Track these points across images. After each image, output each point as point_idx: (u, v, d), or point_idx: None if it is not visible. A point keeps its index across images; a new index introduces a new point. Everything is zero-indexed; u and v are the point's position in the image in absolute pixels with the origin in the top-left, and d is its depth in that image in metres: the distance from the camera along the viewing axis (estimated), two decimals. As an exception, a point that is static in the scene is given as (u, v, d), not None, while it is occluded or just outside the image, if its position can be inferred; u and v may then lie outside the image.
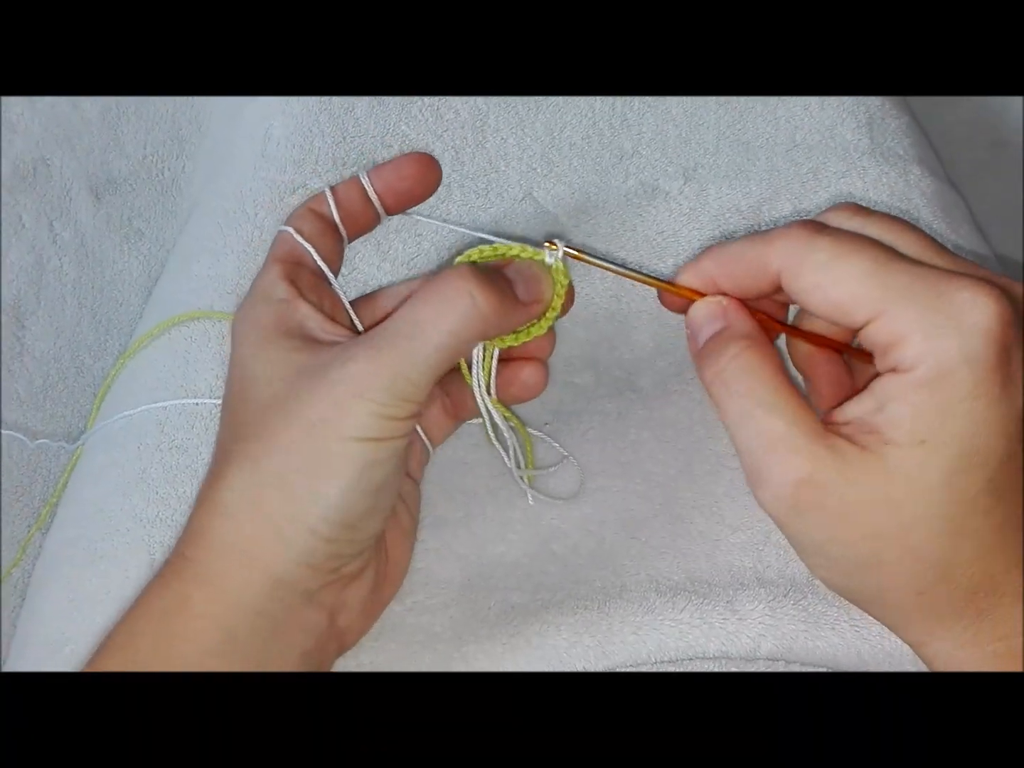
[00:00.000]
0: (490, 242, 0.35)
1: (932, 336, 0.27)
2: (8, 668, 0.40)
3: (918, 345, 0.28)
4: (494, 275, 0.33)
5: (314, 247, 0.35)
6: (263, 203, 0.47)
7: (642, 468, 0.42)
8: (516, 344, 0.36)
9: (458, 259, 0.35)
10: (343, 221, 0.37)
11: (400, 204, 0.37)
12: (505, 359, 0.38)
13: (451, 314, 0.31)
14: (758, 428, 0.29)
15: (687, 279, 0.32)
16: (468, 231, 0.37)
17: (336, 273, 0.37)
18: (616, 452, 0.42)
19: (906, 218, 0.46)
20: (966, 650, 0.30)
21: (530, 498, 0.40)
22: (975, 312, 0.27)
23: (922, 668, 0.35)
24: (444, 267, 0.38)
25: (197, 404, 0.42)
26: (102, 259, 0.53)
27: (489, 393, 0.37)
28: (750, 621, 0.36)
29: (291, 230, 0.36)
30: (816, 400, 0.35)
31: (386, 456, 0.31)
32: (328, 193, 0.37)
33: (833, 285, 0.29)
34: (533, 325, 0.35)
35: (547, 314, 0.35)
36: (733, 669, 0.35)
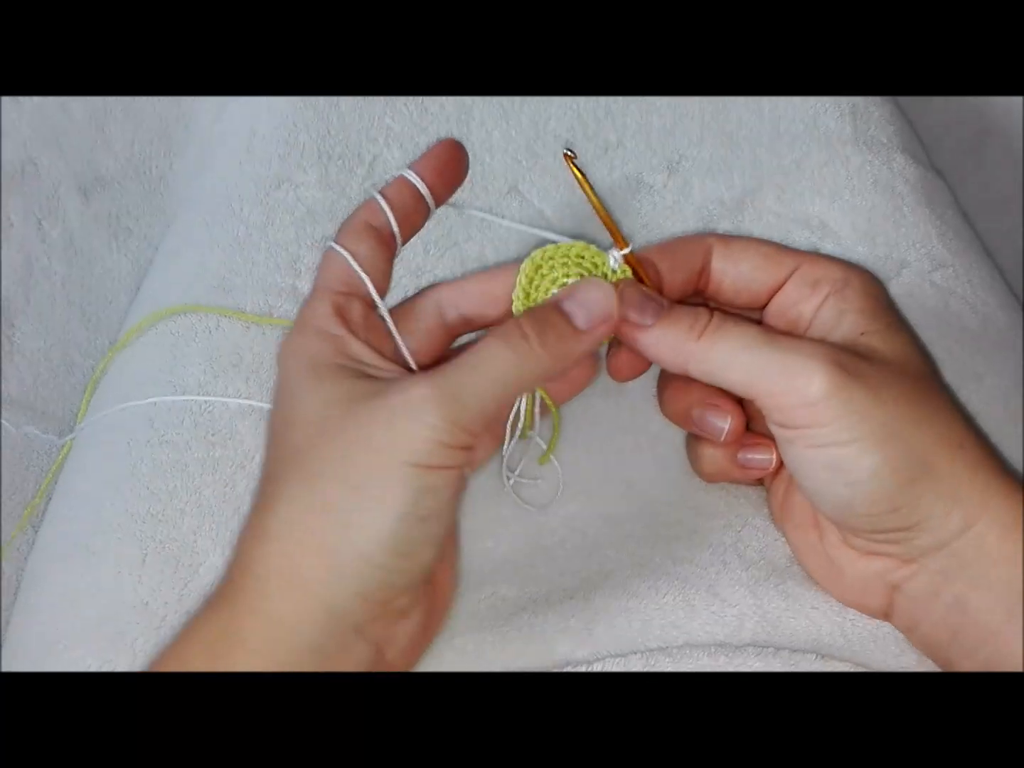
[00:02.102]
0: (550, 240, 0.35)
1: (846, 267, 0.36)
2: (1, 665, 0.40)
3: (842, 270, 0.36)
4: (550, 312, 0.33)
5: (368, 271, 0.34)
6: (248, 197, 0.47)
7: (625, 473, 0.42)
8: None
9: (523, 264, 0.35)
10: (398, 225, 0.36)
11: (445, 192, 0.37)
12: None
13: (509, 356, 0.32)
14: (774, 352, 0.33)
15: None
16: (528, 229, 0.37)
17: (386, 290, 0.36)
18: (600, 455, 0.42)
19: (890, 206, 0.47)
20: (1008, 502, 0.32)
21: (516, 500, 0.41)
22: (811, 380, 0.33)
23: (902, 649, 0.36)
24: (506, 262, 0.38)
25: (185, 400, 0.42)
26: (91, 257, 0.53)
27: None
28: (732, 602, 0.37)
29: (346, 254, 0.34)
30: None
31: (441, 484, 0.31)
32: (382, 201, 0.35)
33: (760, 249, 0.37)
34: None
35: None
36: (722, 658, 0.35)
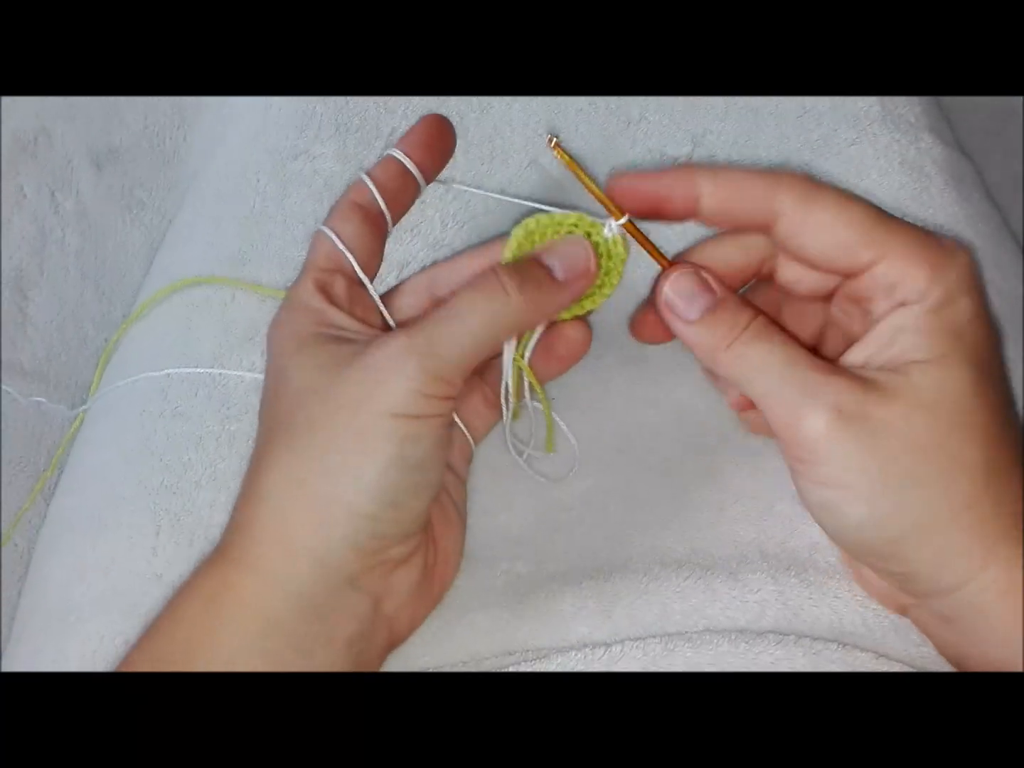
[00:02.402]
0: (542, 211, 0.34)
1: (937, 270, 0.31)
2: (13, 638, 0.40)
3: (926, 278, 0.31)
4: (529, 264, 0.33)
5: (354, 249, 0.35)
6: (265, 169, 0.47)
7: (645, 444, 0.41)
8: (567, 318, 0.36)
9: (506, 244, 0.35)
10: (387, 204, 0.36)
11: (434, 167, 0.37)
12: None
13: (485, 303, 0.32)
14: (787, 381, 0.31)
15: (678, 186, 0.33)
16: (521, 201, 0.36)
17: (376, 269, 0.36)
18: (621, 429, 0.42)
19: (917, 187, 0.47)
20: (1015, 572, 0.31)
21: (535, 475, 0.40)
22: (961, 255, 0.32)
23: (923, 639, 0.35)
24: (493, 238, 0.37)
25: (200, 372, 0.41)
26: (104, 229, 0.52)
27: (523, 358, 0.36)
28: (754, 588, 0.36)
29: (331, 233, 0.35)
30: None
31: (424, 432, 0.31)
32: (367, 179, 0.35)
33: (842, 227, 0.32)
34: (586, 299, 0.35)
35: (603, 290, 0.35)
36: (742, 644, 0.35)
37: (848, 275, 0.33)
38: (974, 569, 0.31)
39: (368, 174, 0.36)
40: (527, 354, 0.36)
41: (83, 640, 0.37)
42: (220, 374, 0.42)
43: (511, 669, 0.34)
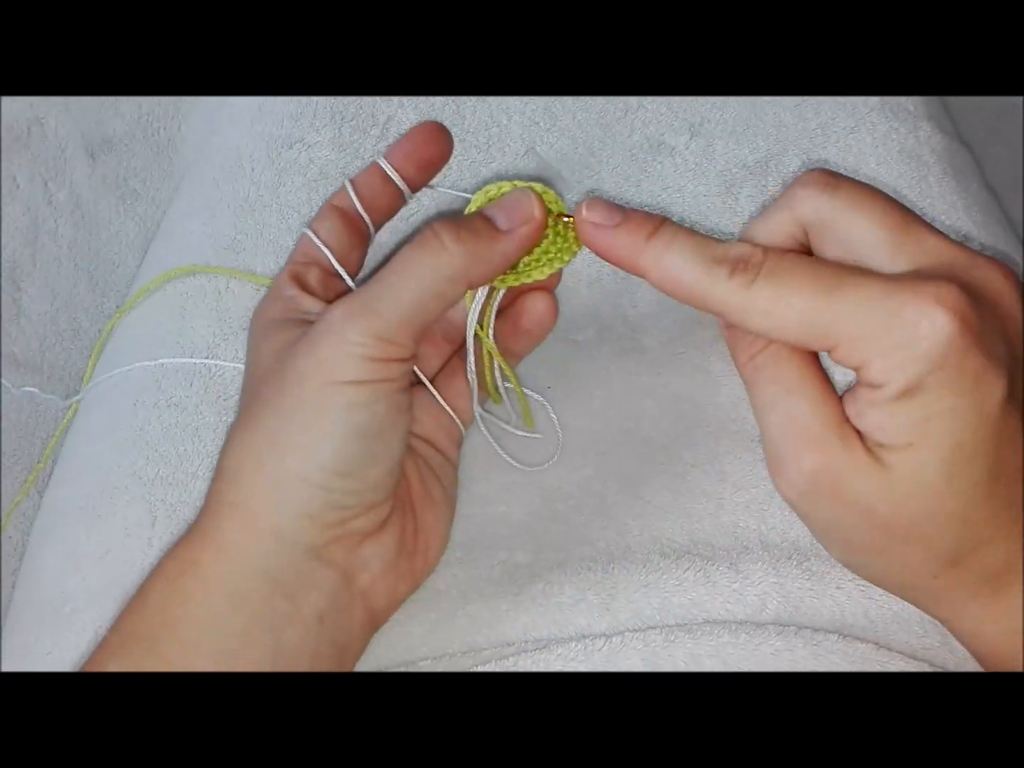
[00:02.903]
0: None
1: (890, 356, 0.28)
2: (8, 628, 0.39)
3: (880, 368, 0.28)
4: (468, 216, 0.33)
5: (330, 245, 0.36)
6: (260, 158, 0.46)
7: (644, 433, 0.41)
8: (516, 284, 0.35)
9: (475, 194, 0.35)
10: (367, 209, 0.36)
11: (421, 177, 0.37)
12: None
13: (421, 257, 0.32)
14: (781, 416, 0.30)
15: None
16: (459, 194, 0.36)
17: (356, 268, 0.37)
18: (619, 418, 0.41)
19: (915, 175, 0.46)
20: (987, 626, 0.31)
21: (513, 462, 0.40)
22: (926, 324, 0.27)
23: (926, 630, 0.35)
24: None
25: (194, 363, 0.41)
26: (98, 220, 0.52)
27: (487, 333, 0.36)
28: (755, 580, 0.36)
29: (309, 232, 0.36)
30: None
31: (372, 398, 0.31)
32: (348, 186, 0.36)
33: (785, 326, 0.29)
34: (534, 267, 0.35)
35: (554, 262, 0.35)
36: (743, 636, 0.34)
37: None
38: (948, 618, 0.32)
39: (352, 181, 0.36)
40: (491, 330, 0.36)
41: (78, 631, 0.36)
42: (216, 364, 0.41)
43: (510, 660, 0.34)
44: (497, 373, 0.38)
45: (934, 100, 0.51)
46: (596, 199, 0.32)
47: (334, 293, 0.35)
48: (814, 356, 0.31)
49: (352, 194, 0.36)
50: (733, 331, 0.31)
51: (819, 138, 0.47)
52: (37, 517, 0.42)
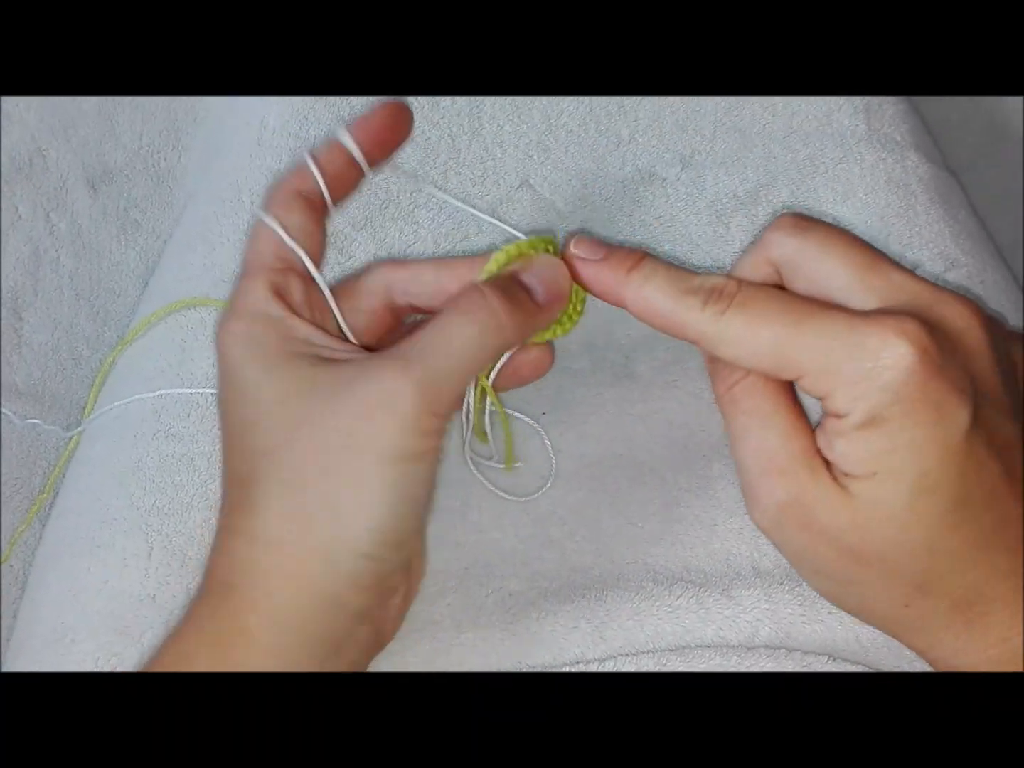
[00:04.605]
0: (501, 233, 0.35)
1: (853, 386, 0.28)
2: (9, 659, 0.40)
3: (843, 398, 0.29)
4: (513, 285, 0.33)
5: (304, 245, 0.33)
6: (259, 191, 0.47)
7: (637, 459, 0.42)
8: (539, 342, 0.36)
9: (485, 267, 0.34)
10: (329, 189, 0.34)
11: (381, 155, 0.35)
12: None
13: (476, 328, 0.31)
14: (753, 446, 0.31)
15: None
16: (486, 218, 0.37)
17: (322, 259, 0.35)
18: (612, 442, 0.42)
19: (903, 205, 0.47)
20: (961, 658, 0.31)
21: (500, 493, 0.40)
22: (888, 354, 0.28)
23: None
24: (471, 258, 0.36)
25: (192, 393, 0.41)
26: (99, 250, 0.52)
27: (488, 381, 0.36)
28: (747, 607, 0.36)
29: (277, 227, 0.33)
30: None
31: (423, 468, 0.31)
32: (312, 166, 0.34)
33: (755, 356, 0.30)
34: (557, 325, 0.35)
35: (573, 318, 0.35)
36: (734, 658, 0.35)
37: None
38: (922, 648, 0.32)
39: (312, 158, 0.34)
40: (492, 375, 0.36)
41: (77, 662, 0.37)
42: (213, 395, 0.42)
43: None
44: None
45: (921, 129, 0.52)
46: (583, 237, 0.33)
47: (319, 310, 0.34)
48: (789, 388, 0.32)
49: (319, 178, 0.34)
50: (714, 364, 0.33)
51: (807, 169, 0.48)
52: (38, 547, 0.43)
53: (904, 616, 0.31)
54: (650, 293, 0.31)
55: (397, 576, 0.33)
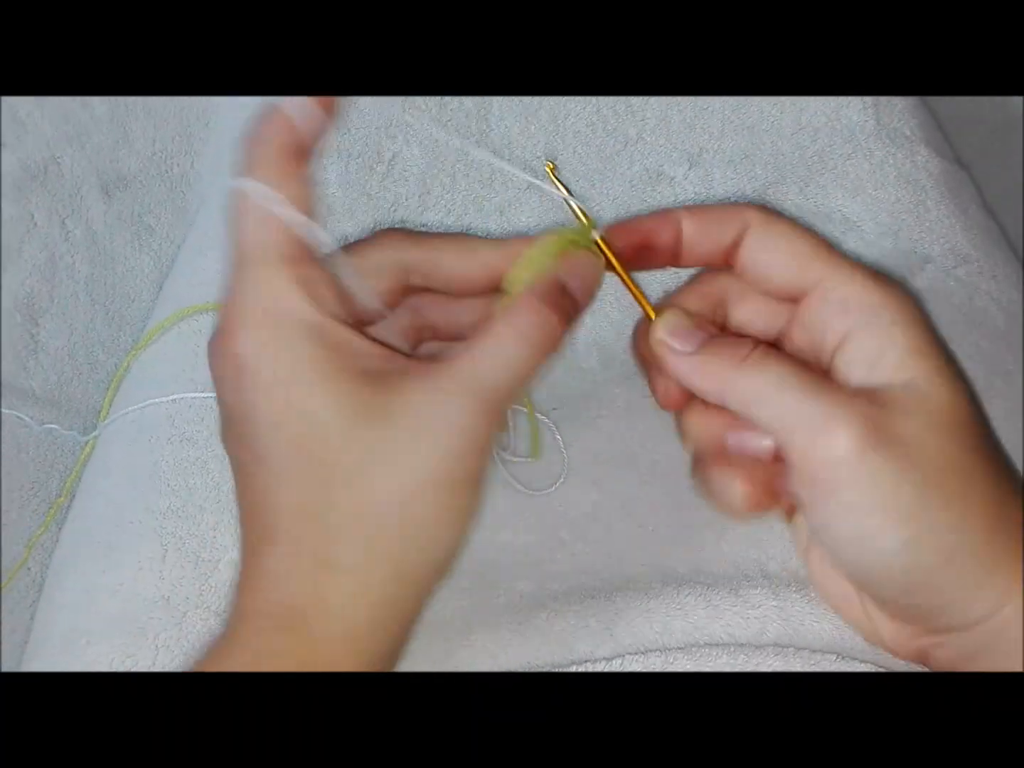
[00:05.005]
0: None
1: (885, 292, 0.32)
2: (25, 660, 0.40)
3: (877, 294, 0.32)
4: (561, 295, 0.32)
5: (309, 215, 0.29)
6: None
7: (648, 458, 0.42)
8: None
9: (521, 264, 0.33)
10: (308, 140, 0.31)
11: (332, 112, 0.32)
12: None
13: (537, 350, 0.31)
14: (805, 402, 0.30)
15: (659, 226, 0.34)
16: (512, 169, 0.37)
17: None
18: (623, 442, 0.42)
19: (913, 200, 0.47)
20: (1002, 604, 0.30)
21: (518, 486, 0.41)
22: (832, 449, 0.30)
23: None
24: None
25: (205, 397, 0.42)
26: (114, 256, 0.53)
27: None
28: (755, 604, 0.36)
29: (284, 209, 0.29)
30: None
31: (483, 482, 0.31)
32: (297, 108, 0.30)
33: (798, 240, 0.33)
34: None
35: None
36: (742, 656, 0.35)
37: (800, 296, 0.33)
38: (1001, 595, 0.30)
39: (286, 112, 0.30)
40: None
41: (92, 664, 0.37)
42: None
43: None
44: None
45: (931, 124, 0.52)
46: (674, 315, 0.34)
47: (344, 304, 0.31)
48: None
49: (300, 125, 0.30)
50: (677, 353, 0.33)
51: (816, 165, 0.48)
52: (55, 550, 0.43)
53: (988, 546, 0.30)
54: (769, 380, 0.31)
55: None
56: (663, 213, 0.34)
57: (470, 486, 0.30)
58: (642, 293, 0.35)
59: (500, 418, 0.30)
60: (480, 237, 0.35)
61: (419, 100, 0.49)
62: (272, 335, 0.29)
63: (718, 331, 0.34)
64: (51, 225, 0.52)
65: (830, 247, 0.33)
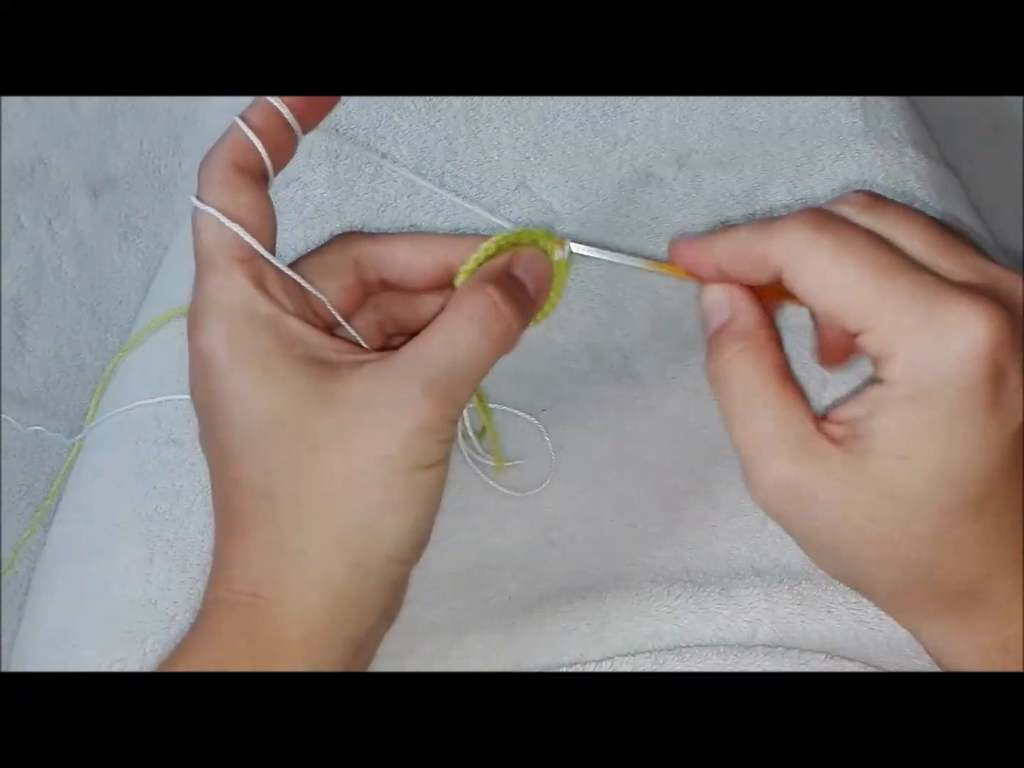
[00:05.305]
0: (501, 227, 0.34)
1: (917, 355, 0.27)
2: (13, 663, 0.40)
3: (902, 363, 0.28)
4: (513, 283, 0.32)
5: (259, 225, 0.31)
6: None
7: (639, 458, 0.42)
8: None
9: (473, 256, 0.33)
10: (271, 156, 0.32)
11: (314, 117, 0.33)
12: None
13: (487, 333, 0.31)
14: (749, 429, 0.30)
15: (692, 256, 0.32)
16: (475, 208, 0.37)
17: (275, 235, 0.32)
18: (613, 441, 0.42)
19: (899, 199, 0.47)
20: (950, 644, 0.31)
21: (502, 489, 0.41)
22: (964, 333, 0.27)
23: (916, 652, 0.35)
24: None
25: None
26: (101, 257, 0.53)
27: None
28: (746, 607, 0.36)
29: (237, 226, 0.30)
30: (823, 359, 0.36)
31: (443, 473, 0.31)
32: (251, 134, 0.31)
33: (828, 291, 0.28)
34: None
35: (546, 309, 0.35)
36: (731, 657, 0.35)
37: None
38: (914, 628, 0.32)
39: (245, 122, 0.31)
40: None
41: (80, 666, 0.37)
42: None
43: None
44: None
45: (919, 125, 0.52)
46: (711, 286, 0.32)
47: (295, 298, 0.32)
48: (782, 365, 0.31)
49: (260, 147, 0.31)
50: (714, 336, 0.32)
51: (805, 166, 0.48)
52: (42, 553, 0.43)
53: (901, 598, 0.31)
54: (734, 231, 0.30)
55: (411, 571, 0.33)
56: (702, 246, 0.32)
57: (423, 471, 0.30)
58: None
59: (452, 403, 0.30)
60: (436, 234, 0.35)
61: (407, 101, 0.49)
62: (228, 329, 0.30)
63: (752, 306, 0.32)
64: (38, 226, 0.52)
65: (885, 275, 0.28)
